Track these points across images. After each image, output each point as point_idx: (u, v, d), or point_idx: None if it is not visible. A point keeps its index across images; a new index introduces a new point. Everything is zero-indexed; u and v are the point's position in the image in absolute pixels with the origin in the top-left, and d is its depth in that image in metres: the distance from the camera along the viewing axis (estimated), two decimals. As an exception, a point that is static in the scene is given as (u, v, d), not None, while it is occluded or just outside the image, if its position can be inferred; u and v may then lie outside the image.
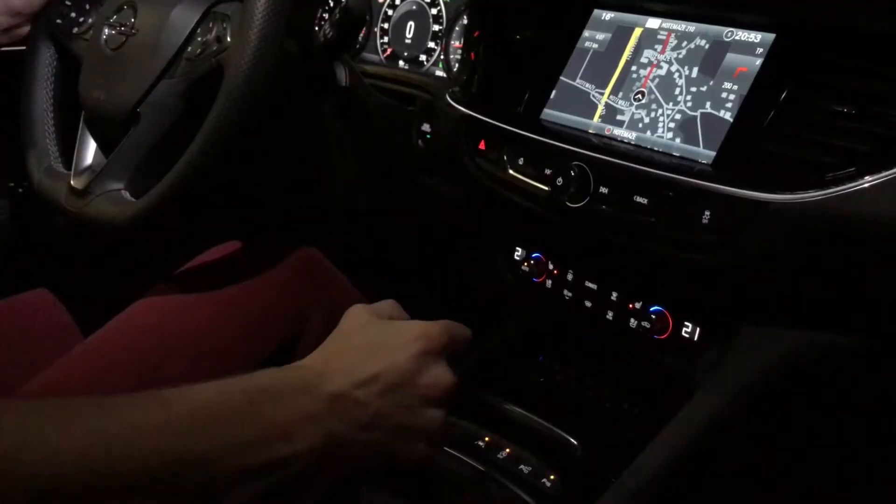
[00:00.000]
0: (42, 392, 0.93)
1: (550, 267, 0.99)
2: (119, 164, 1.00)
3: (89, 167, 1.05)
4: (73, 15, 1.12)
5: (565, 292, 0.98)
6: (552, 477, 0.85)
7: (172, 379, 0.95)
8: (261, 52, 0.87)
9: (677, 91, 0.86)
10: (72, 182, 1.03)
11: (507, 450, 0.88)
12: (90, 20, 1.11)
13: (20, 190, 1.38)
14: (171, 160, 0.93)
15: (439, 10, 1.22)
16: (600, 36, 0.95)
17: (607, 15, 0.95)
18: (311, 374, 0.67)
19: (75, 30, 1.11)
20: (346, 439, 0.65)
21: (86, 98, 1.05)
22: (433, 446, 0.72)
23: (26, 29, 1.14)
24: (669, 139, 0.86)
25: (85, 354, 0.97)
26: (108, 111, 1.02)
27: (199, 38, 0.99)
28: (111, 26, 1.05)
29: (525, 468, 0.86)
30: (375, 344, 0.71)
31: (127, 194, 1.00)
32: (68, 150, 1.08)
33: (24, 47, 1.14)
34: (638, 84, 0.90)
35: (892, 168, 0.69)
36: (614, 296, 0.93)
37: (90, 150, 1.06)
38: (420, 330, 0.72)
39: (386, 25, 1.29)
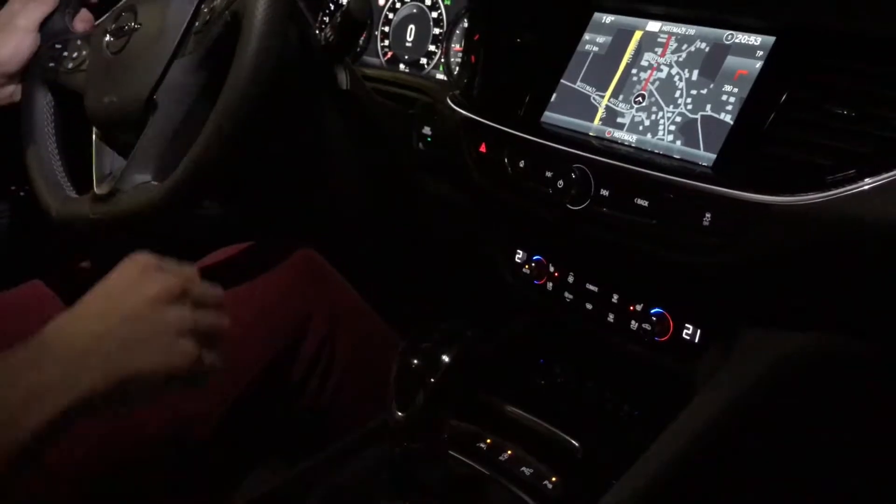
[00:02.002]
0: None
1: (551, 269, 1.00)
2: (144, 156, 0.98)
3: (110, 174, 1.03)
4: (65, 54, 1.10)
5: (566, 294, 0.98)
6: (553, 479, 0.86)
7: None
8: None
9: (677, 94, 0.87)
10: (95, 190, 1.00)
11: (509, 452, 0.89)
12: (83, 52, 1.09)
13: (21, 193, 1.37)
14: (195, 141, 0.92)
15: (440, 14, 1.22)
16: (601, 39, 0.95)
17: (608, 18, 0.96)
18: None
19: (70, 65, 1.09)
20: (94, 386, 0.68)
21: (96, 109, 1.03)
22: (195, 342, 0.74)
23: (14, 89, 1.11)
24: (670, 142, 0.86)
25: None
26: (123, 110, 1.01)
27: (205, 9, 0.98)
28: (112, 33, 1.04)
29: (527, 470, 0.87)
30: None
31: (155, 184, 0.97)
32: (79, 180, 1.06)
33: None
34: (638, 87, 0.90)
35: (891, 170, 0.70)
36: (615, 298, 0.93)
37: (108, 161, 1.04)
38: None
39: (386, 29, 1.29)
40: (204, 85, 0.98)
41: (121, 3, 1.07)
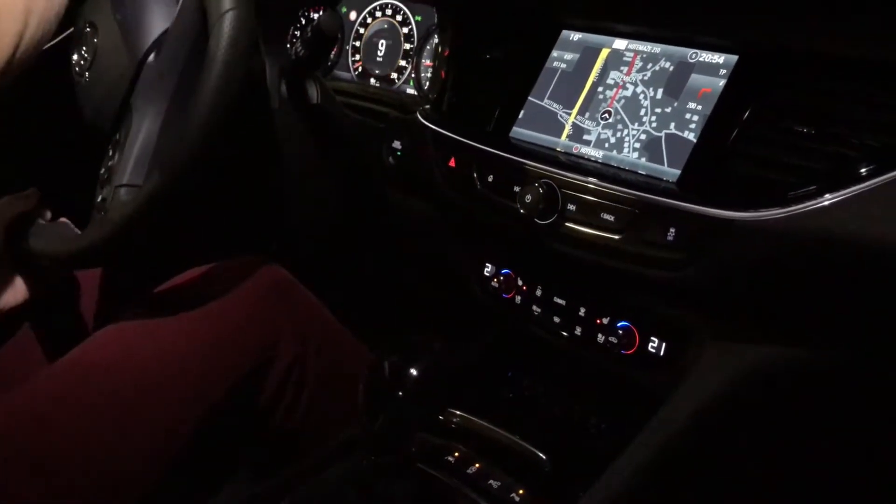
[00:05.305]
0: (6, 421, 0.92)
1: (520, 283, 1.00)
2: (125, 160, 0.96)
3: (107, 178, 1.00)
4: None
5: (534, 308, 0.99)
6: (521, 491, 0.86)
7: (139, 409, 0.95)
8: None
9: (642, 112, 0.88)
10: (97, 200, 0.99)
11: (477, 465, 0.89)
12: None
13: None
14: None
15: (410, 30, 1.23)
16: (568, 56, 0.96)
17: (575, 36, 0.97)
18: None
19: None
20: None
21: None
22: None
23: None
24: (635, 158, 0.87)
25: (51, 381, 0.96)
26: (103, 121, 1.01)
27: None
28: (78, 53, 1.04)
29: (494, 483, 0.87)
30: None
31: (138, 187, 0.95)
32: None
33: None
34: (604, 104, 0.91)
35: (850, 187, 0.71)
36: (582, 311, 0.94)
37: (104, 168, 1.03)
38: None
39: (357, 44, 1.30)
40: (176, 87, 0.98)
41: (77, 22, 1.07)
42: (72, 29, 1.07)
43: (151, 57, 0.98)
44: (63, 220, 1.06)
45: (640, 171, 0.86)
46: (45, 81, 1.10)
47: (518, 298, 1.00)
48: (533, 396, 1.00)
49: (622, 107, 0.90)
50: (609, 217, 0.84)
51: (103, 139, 1.03)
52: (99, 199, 0.98)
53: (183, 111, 0.91)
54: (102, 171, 1.01)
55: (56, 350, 1.07)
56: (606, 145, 0.90)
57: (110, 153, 1.01)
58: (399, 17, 1.25)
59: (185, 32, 0.96)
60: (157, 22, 0.98)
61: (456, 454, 0.90)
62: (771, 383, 0.83)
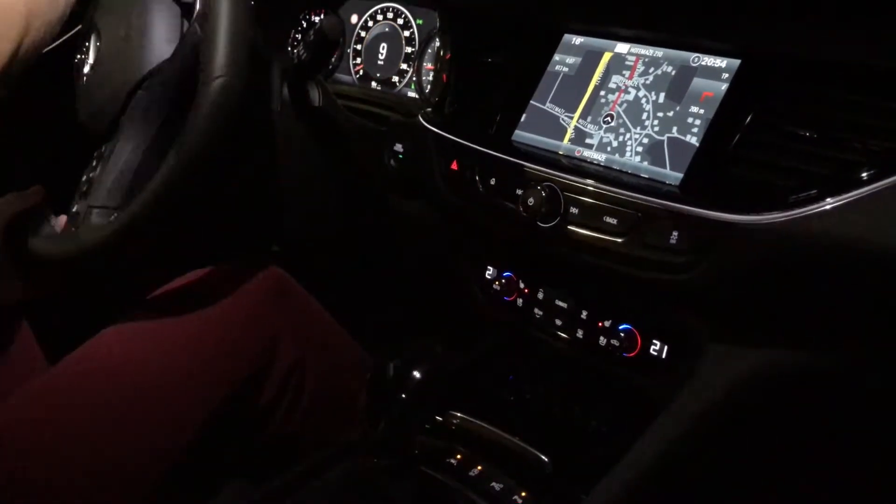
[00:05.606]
0: (6, 423, 0.92)
1: (521, 286, 1.01)
2: (104, 182, 0.97)
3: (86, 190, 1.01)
4: None
5: (536, 311, 0.99)
6: (523, 494, 0.86)
7: (139, 411, 0.95)
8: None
9: (644, 116, 0.88)
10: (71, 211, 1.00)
11: (479, 467, 0.89)
12: None
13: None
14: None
15: (412, 33, 1.24)
16: (570, 60, 0.97)
17: (577, 40, 0.97)
18: None
19: None
20: None
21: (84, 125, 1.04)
22: None
23: None
24: (638, 162, 0.87)
25: (51, 384, 0.96)
26: (94, 129, 1.01)
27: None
28: (81, 53, 1.04)
29: (496, 485, 0.87)
30: None
31: (111, 211, 0.96)
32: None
33: None
34: (606, 108, 0.91)
35: (852, 190, 0.72)
36: (584, 314, 0.94)
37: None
38: None
39: (359, 47, 1.30)
40: (160, 127, 0.98)
41: (84, 23, 1.07)
42: (79, 27, 1.07)
43: (143, 88, 0.98)
44: (60, 218, 1.07)
45: (642, 175, 0.86)
46: (53, 78, 1.10)
47: (520, 301, 1.01)
48: (535, 399, 1.00)
49: (624, 110, 0.90)
50: (611, 220, 0.84)
51: (95, 144, 1.03)
52: (73, 210, 0.98)
53: (162, 155, 0.91)
54: (84, 179, 1.01)
55: (56, 350, 1.07)
56: (609, 149, 0.90)
57: (94, 164, 1.01)
58: (400, 21, 1.25)
59: (177, 78, 0.96)
60: (159, 48, 0.98)
61: (458, 456, 0.90)
62: (773, 386, 0.83)
